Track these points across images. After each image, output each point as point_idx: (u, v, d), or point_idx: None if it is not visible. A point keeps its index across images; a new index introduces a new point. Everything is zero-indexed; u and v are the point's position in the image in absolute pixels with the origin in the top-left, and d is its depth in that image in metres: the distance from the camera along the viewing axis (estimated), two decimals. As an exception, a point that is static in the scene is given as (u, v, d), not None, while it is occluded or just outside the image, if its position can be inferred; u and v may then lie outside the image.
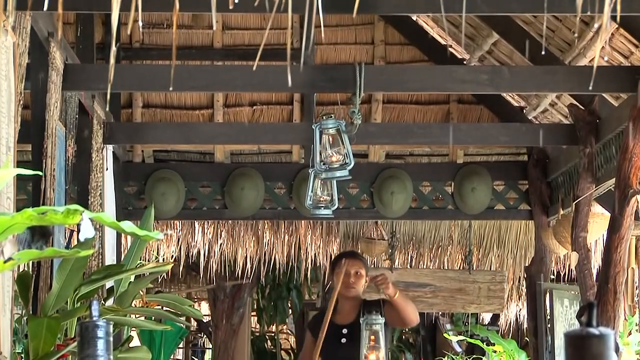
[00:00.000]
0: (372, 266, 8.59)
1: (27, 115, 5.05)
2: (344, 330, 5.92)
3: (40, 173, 2.65)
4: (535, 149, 7.94)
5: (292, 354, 15.19)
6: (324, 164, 5.71)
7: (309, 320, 11.88)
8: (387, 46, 8.16)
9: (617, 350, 5.57)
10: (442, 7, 4.58)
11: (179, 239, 9.16)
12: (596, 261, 7.98)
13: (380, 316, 5.77)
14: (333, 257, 8.13)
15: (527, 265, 8.32)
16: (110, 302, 5.48)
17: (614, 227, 5.40)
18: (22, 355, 4.66)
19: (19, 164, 3.99)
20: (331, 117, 5.75)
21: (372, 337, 5.75)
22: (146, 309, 5.78)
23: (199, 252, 9.37)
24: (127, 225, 2.29)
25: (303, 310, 13.78)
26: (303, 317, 13.77)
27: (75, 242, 5.51)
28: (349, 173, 5.77)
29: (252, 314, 13.64)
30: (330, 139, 5.74)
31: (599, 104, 6.52)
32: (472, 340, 12.04)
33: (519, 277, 9.59)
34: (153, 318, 5.70)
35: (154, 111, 8.19)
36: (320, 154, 5.72)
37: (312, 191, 5.89)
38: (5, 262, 2.31)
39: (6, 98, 4.11)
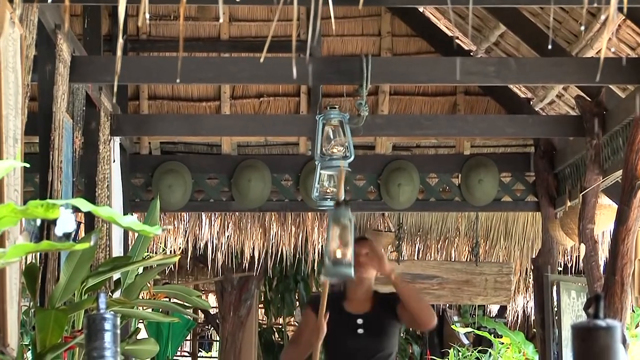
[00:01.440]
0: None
1: (34, 107, 5.06)
2: (359, 321, 5.51)
3: (27, 165, 2.65)
4: (542, 141, 7.92)
5: (299, 346, 15.18)
6: (324, 155, 5.69)
7: (310, 296, 11.79)
8: (394, 38, 8.14)
9: (624, 342, 5.56)
10: (449, -2, 4.57)
11: (186, 231, 9.17)
12: (603, 253, 7.97)
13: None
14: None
15: (534, 257, 8.31)
16: (117, 294, 5.49)
17: (621, 219, 5.40)
18: (30, 347, 4.67)
19: (26, 156, 3.99)
20: (335, 108, 5.73)
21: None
22: (153, 301, 5.80)
23: (206, 244, 9.38)
24: (125, 220, 2.28)
25: (310, 302, 13.77)
26: (310, 309, 13.76)
27: (82, 236, 5.52)
28: (349, 166, 5.75)
29: (260, 306, 13.63)
30: (333, 130, 5.72)
31: (606, 96, 6.51)
32: (479, 332, 12.06)
33: (526, 269, 9.59)
34: (160, 310, 5.71)
35: (161, 103, 8.20)
36: (322, 145, 5.70)
37: (318, 183, 5.87)
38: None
39: (13, 90, 4.11)
